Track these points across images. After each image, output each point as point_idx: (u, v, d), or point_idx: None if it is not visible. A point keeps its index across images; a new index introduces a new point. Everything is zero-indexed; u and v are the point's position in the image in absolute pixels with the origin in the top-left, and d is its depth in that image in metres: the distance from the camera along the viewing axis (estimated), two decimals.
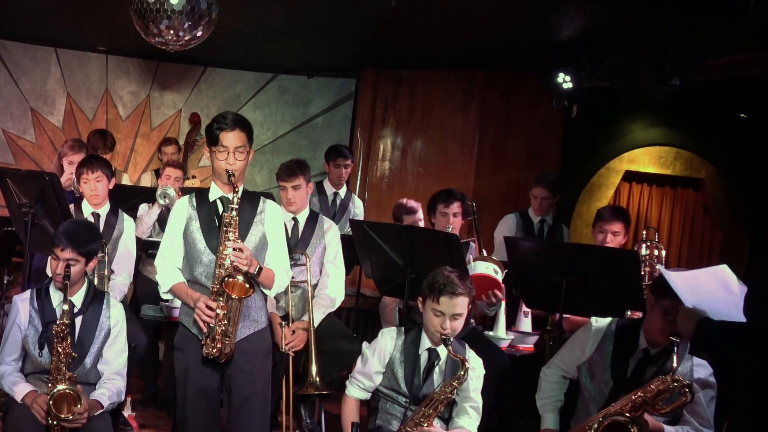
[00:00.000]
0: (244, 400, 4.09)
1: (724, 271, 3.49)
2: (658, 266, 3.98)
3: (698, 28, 5.60)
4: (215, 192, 4.13)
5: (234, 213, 3.95)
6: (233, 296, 3.91)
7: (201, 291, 4.04)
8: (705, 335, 2.94)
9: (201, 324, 3.96)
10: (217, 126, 4.02)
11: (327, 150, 7.23)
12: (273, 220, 4.20)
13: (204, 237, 4.07)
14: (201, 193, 4.19)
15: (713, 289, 3.35)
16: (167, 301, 5.30)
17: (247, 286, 3.93)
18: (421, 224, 6.55)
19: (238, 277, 3.93)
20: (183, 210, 4.14)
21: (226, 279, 3.91)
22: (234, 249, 3.90)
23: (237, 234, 3.95)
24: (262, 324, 4.19)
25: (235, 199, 3.95)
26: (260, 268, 4.03)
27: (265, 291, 4.21)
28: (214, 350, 3.97)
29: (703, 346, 3.01)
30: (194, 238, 4.08)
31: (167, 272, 4.13)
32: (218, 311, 3.93)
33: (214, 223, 4.08)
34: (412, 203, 6.66)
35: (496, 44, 7.05)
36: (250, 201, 4.16)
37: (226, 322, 3.95)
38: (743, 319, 2.97)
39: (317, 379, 4.90)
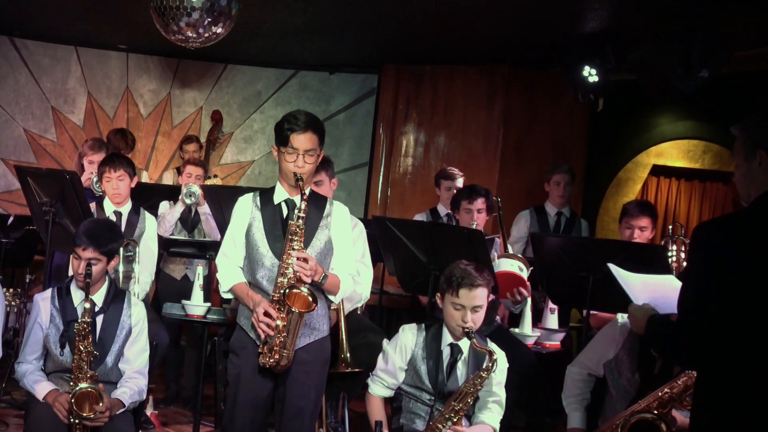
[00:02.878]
0: (296, 411, 3.97)
1: (673, 279, 3.59)
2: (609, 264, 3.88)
3: (726, 19, 5.50)
4: (280, 194, 4.00)
5: (300, 222, 3.81)
6: (294, 309, 3.78)
7: (262, 296, 3.91)
8: (654, 332, 2.92)
9: (259, 331, 3.84)
10: (288, 126, 3.86)
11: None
12: (340, 224, 4.05)
13: (267, 240, 3.94)
14: (265, 193, 4.05)
15: (664, 289, 3.35)
16: (189, 299, 5.28)
17: (311, 299, 3.79)
18: None
19: (303, 289, 3.79)
20: (246, 209, 4.02)
21: (288, 290, 3.78)
22: (298, 258, 3.77)
23: (302, 243, 3.83)
24: (323, 333, 4.04)
25: (303, 205, 3.81)
26: (325, 276, 3.90)
27: (330, 297, 4.05)
28: (271, 360, 3.84)
29: (652, 343, 2.98)
30: (256, 240, 3.95)
31: (228, 271, 4.02)
32: (278, 322, 3.80)
33: (278, 225, 3.95)
34: (454, 170, 6.67)
35: (520, 38, 6.99)
36: (317, 204, 4.00)
37: (285, 333, 3.82)
38: None
39: (348, 355, 4.81)
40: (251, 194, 4.08)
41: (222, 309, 5.24)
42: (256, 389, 3.96)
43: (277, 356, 3.83)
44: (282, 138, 3.89)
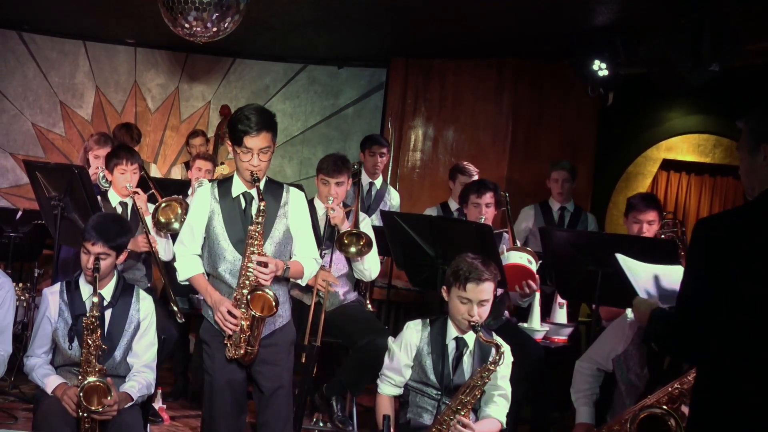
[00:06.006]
0: (271, 393, 4.09)
1: (680, 270, 3.52)
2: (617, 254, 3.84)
3: (737, 12, 5.47)
4: (238, 187, 4.06)
5: (259, 228, 3.91)
6: (257, 314, 3.87)
7: (224, 288, 4.01)
8: (654, 326, 2.92)
9: (224, 328, 3.95)
10: (242, 128, 3.90)
11: (363, 139, 7.17)
12: (297, 211, 4.13)
13: (227, 233, 4.01)
14: (223, 184, 4.11)
15: (670, 282, 3.34)
16: (197, 293, 5.28)
17: (273, 303, 3.88)
18: None
19: (267, 291, 3.88)
20: (206, 201, 4.08)
21: (250, 294, 3.87)
22: (258, 263, 3.87)
23: (262, 246, 3.92)
24: (286, 318, 4.16)
25: (262, 206, 3.90)
26: (287, 267, 4.00)
27: (297, 281, 4.18)
28: (236, 355, 3.98)
29: (653, 337, 2.96)
30: (217, 234, 4.02)
31: (186, 260, 4.11)
32: (242, 323, 3.91)
33: (237, 219, 4.03)
34: (471, 166, 6.63)
35: (528, 31, 6.97)
36: (274, 193, 4.08)
37: (249, 332, 3.94)
38: None
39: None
40: (209, 185, 4.15)
41: None
42: (230, 372, 4.06)
43: (242, 351, 3.96)
44: (236, 138, 3.94)
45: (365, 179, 6.91)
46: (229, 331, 3.94)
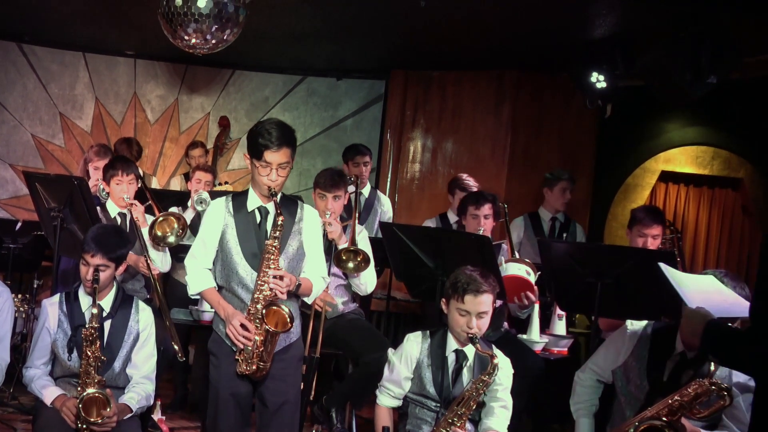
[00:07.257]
0: (276, 408, 4.05)
1: (713, 279, 3.55)
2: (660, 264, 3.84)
3: (735, 24, 5.49)
4: (253, 201, 4.04)
5: (276, 242, 3.89)
6: (271, 329, 3.85)
7: (236, 302, 3.99)
8: (713, 338, 2.90)
9: (236, 342, 3.91)
10: (263, 143, 3.88)
11: (344, 151, 7.15)
12: (311, 229, 4.12)
13: (241, 247, 3.99)
14: (238, 198, 4.09)
15: (713, 292, 3.32)
16: (197, 304, 5.27)
17: (288, 319, 3.87)
18: None
19: (283, 307, 3.87)
20: (219, 214, 4.05)
21: (266, 309, 3.86)
22: (274, 276, 3.85)
23: (278, 261, 3.90)
24: (296, 335, 4.13)
25: (279, 220, 3.89)
26: (299, 284, 3.99)
27: (304, 298, 4.16)
28: (248, 371, 3.94)
29: (711, 349, 2.96)
30: (230, 247, 4.00)
31: (197, 274, 4.07)
32: (256, 337, 3.88)
33: (252, 234, 4.01)
34: (470, 180, 6.61)
35: (528, 43, 6.99)
36: (288, 209, 4.06)
37: (262, 348, 3.90)
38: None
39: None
40: (223, 199, 4.12)
41: None
42: (236, 387, 4.02)
43: (254, 367, 3.93)
44: (256, 152, 3.92)
45: (351, 188, 6.89)
46: (241, 345, 3.90)
